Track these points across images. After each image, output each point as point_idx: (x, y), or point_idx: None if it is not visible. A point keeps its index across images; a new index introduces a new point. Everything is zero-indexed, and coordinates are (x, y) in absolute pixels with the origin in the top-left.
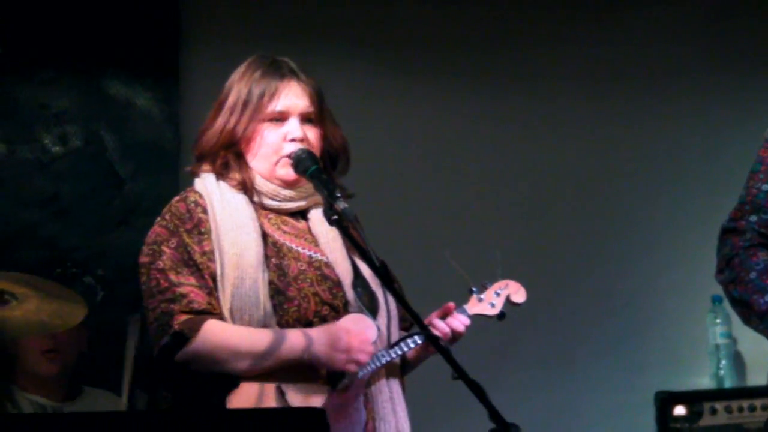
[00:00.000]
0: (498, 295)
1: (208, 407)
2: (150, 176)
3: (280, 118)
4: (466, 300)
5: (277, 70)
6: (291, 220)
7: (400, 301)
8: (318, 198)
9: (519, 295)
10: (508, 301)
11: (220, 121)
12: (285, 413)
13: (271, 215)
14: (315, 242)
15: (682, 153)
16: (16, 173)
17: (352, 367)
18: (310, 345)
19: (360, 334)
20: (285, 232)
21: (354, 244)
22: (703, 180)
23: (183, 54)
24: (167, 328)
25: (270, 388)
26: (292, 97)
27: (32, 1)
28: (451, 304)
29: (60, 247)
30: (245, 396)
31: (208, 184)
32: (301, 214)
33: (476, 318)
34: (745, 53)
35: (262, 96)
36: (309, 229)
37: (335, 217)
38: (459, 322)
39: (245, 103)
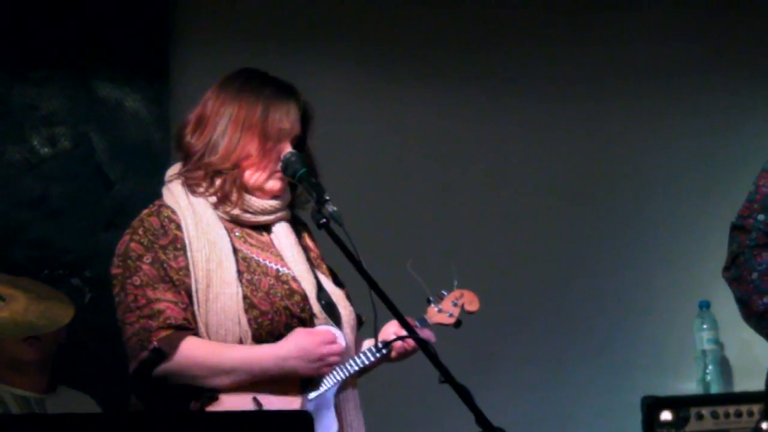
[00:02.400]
0: (455, 304)
1: (195, 411)
2: (139, 178)
3: (282, 138)
4: (423, 309)
5: (284, 91)
6: (254, 234)
7: (387, 304)
8: (284, 213)
9: (473, 304)
10: (463, 310)
11: (233, 136)
12: (271, 416)
13: (236, 229)
14: (280, 256)
15: (675, 155)
16: (5, 174)
17: (324, 371)
18: (285, 359)
19: (326, 335)
20: (252, 245)
21: (341, 248)
22: (695, 184)
23: (173, 55)
24: (146, 344)
25: (246, 398)
26: (294, 120)
27: (22, 2)
28: (409, 318)
29: (48, 249)
30: (223, 407)
31: (180, 199)
32: (264, 227)
33: (436, 327)
34: (742, 53)
35: (275, 115)
36: (272, 242)
37: (323, 220)
38: (426, 337)
39: (259, 121)
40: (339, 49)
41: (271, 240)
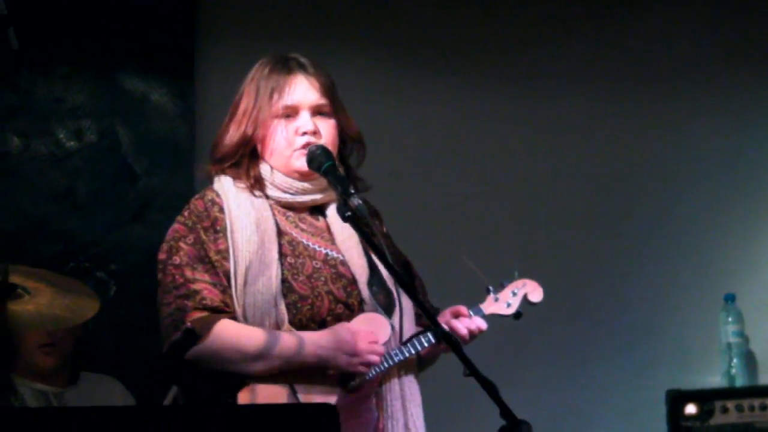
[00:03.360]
0: (515, 294)
1: (218, 404)
2: (164, 172)
3: (291, 113)
4: (483, 299)
5: (284, 66)
6: (309, 218)
7: (413, 298)
8: (334, 193)
9: (536, 294)
10: (525, 300)
11: (233, 127)
12: (296, 409)
13: (290, 213)
14: (332, 240)
15: (698, 153)
16: (31, 167)
17: (361, 369)
18: (318, 348)
19: (368, 335)
20: (302, 230)
21: (368, 241)
22: (721, 180)
23: (199, 50)
24: (180, 325)
25: (282, 388)
26: (301, 90)
27: None
28: (463, 309)
29: (74, 242)
30: (259, 396)
31: (225, 184)
32: (321, 212)
33: (492, 317)
34: (763, 50)
35: (271, 93)
36: (327, 227)
37: (349, 213)
38: (476, 326)
39: (255, 103)
40: (361, 47)
41: (327, 224)
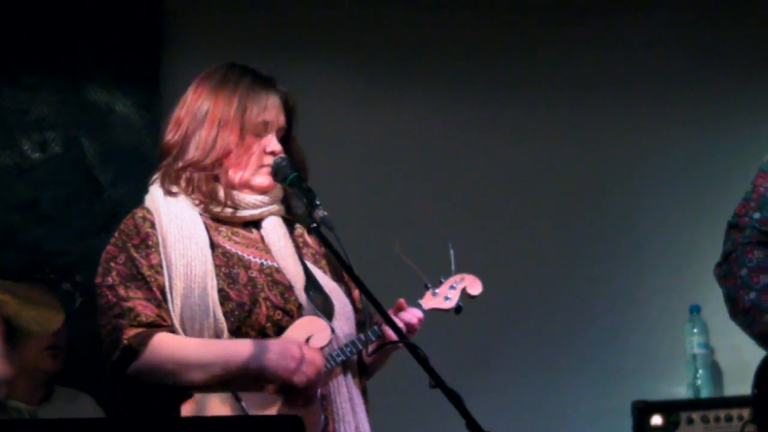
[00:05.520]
0: (453, 288)
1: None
2: (130, 183)
3: (262, 132)
4: (422, 296)
5: (263, 83)
6: (242, 231)
7: (373, 303)
8: (273, 208)
9: (475, 287)
10: (465, 294)
11: (209, 136)
12: (262, 421)
13: (222, 227)
14: (267, 250)
15: (666, 161)
16: None
17: (298, 379)
18: (259, 355)
19: (310, 350)
20: (236, 242)
21: (331, 251)
22: (686, 189)
23: (164, 61)
24: (117, 344)
25: (227, 397)
26: (275, 111)
27: (12, 7)
28: (402, 300)
29: (39, 253)
30: (204, 407)
31: (155, 199)
32: (254, 224)
33: (434, 312)
34: (736, 60)
35: (252, 109)
36: (261, 239)
37: (314, 225)
38: (412, 315)
39: (238, 116)
40: (332, 56)
41: (260, 236)
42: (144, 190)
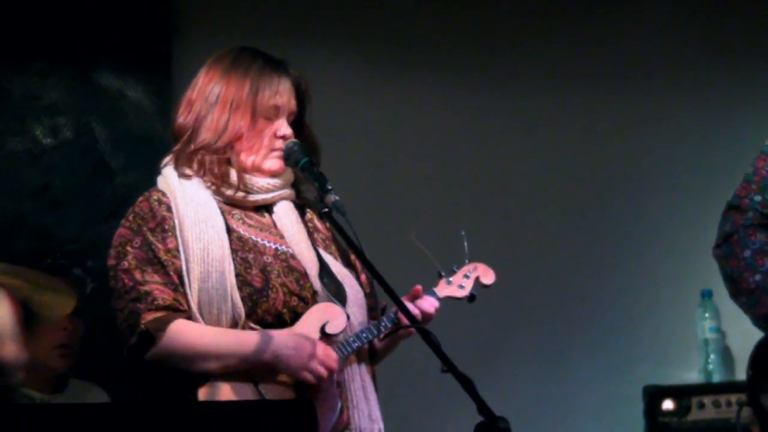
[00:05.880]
0: (467, 277)
1: (199, 402)
2: (141, 169)
3: (273, 115)
4: (435, 284)
5: (275, 67)
6: (255, 215)
7: (386, 289)
8: (285, 192)
9: (488, 276)
10: (478, 283)
11: (221, 118)
12: (273, 405)
13: (235, 211)
14: (280, 235)
15: (676, 148)
16: (7, 165)
17: (309, 377)
18: (275, 349)
19: (326, 349)
20: (250, 226)
21: (344, 237)
22: (697, 176)
23: (175, 46)
24: (135, 328)
25: (246, 386)
26: (286, 95)
27: None
28: (419, 287)
29: (51, 239)
30: (222, 393)
31: (170, 182)
32: (266, 209)
33: (447, 300)
34: (741, 49)
35: (264, 92)
36: (274, 224)
37: (326, 209)
38: (428, 303)
39: (250, 99)
40: (339, 45)
41: (273, 221)
42: (155, 176)
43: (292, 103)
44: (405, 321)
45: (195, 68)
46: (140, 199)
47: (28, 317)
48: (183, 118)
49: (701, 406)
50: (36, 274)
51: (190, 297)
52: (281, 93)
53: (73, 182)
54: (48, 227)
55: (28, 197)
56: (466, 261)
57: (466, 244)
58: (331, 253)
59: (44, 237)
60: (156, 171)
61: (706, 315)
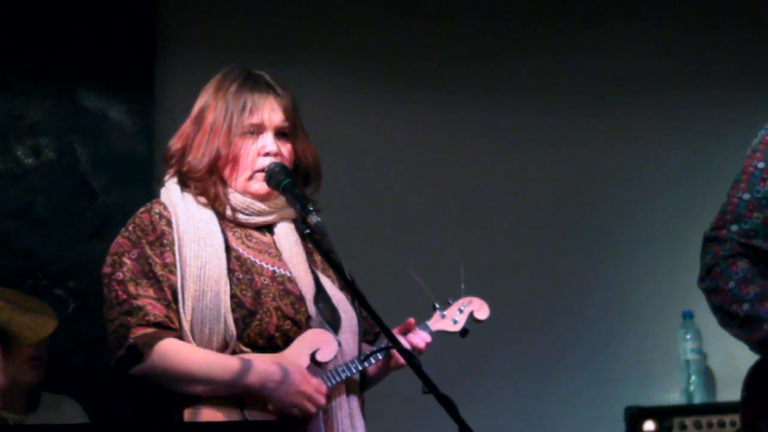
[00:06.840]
0: (461, 311)
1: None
2: (123, 189)
3: (255, 131)
4: (429, 316)
5: (253, 83)
6: (256, 234)
7: (371, 315)
8: (286, 212)
9: (482, 311)
10: (471, 318)
11: (201, 140)
12: (257, 427)
13: (237, 229)
14: (279, 257)
15: (659, 168)
16: None
17: (296, 412)
18: (262, 380)
19: (316, 383)
20: (249, 247)
21: (326, 258)
22: (678, 196)
23: (158, 67)
24: (123, 341)
25: (231, 410)
26: (268, 110)
27: (6, 13)
28: (412, 320)
29: (32, 259)
30: (205, 415)
31: (173, 196)
32: (267, 227)
33: (439, 334)
34: (726, 67)
35: (239, 110)
36: (274, 243)
37: (308, 231)
38: (420, 338)
39: (225, 119)
40: (325, 62)
41: (273, 241)
42: (137, 196)
43: (276, 119)
44: (399, 357)
45: (178, 88)
46: (141, 210)
47: (7, 340)
48: (173, 141)
49: (683, 427)
50: (18, 295)
51: (182, 315)
52: (257, 110)
53: (54, 202)
54: (29, 247)
55: (9, 217)
56: (462, 293)
57: (462, 277)
58: (328, 276)
59: (26, 257)
60: (138, 191)
61: (688, 336)
